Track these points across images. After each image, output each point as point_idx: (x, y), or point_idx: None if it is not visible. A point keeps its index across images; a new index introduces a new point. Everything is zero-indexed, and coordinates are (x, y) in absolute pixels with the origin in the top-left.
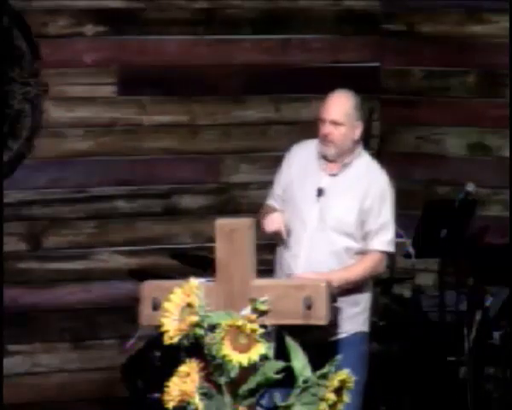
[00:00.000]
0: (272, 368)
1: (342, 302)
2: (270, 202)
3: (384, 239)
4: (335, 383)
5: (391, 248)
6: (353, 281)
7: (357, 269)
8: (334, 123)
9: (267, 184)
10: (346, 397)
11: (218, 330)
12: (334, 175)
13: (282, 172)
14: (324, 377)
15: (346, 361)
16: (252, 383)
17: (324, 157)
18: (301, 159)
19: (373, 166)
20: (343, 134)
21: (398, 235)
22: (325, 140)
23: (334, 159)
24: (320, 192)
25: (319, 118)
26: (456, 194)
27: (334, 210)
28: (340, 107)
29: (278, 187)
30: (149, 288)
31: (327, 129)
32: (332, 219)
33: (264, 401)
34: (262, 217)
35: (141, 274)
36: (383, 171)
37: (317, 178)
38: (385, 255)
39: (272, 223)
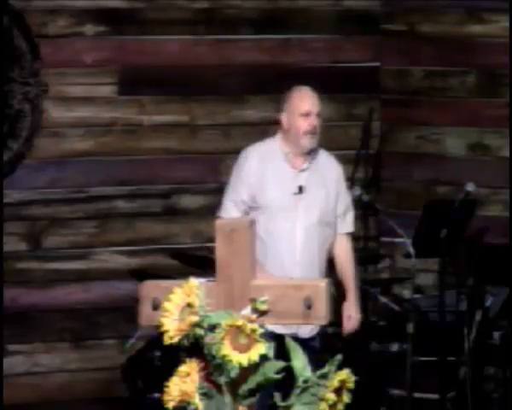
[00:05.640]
0: (272, 368)
1: None
2: (231, 210)
3: (350, 220)
4: (335, 383)
5: (353, 228)
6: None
7: (352, 266)
8: (318, 115)
9: None
10: (346, 397)
11: (218, 330)
12: (303, 170)
13: (244, 180)
14: (324, 377)
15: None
16: (252, 383)
17: (303, 151)
18: (262, 163)
19: (326, 153)
20: (320, 124)
21: (397, 235)
22: (313, 132)
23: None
24: (301, 189)
25: (301, 113)
26: (456, 194)
27: (317, 202)
28: (317, 99)
29: (243, 194)
30: (149, 288)
31: (315, 121)
32: (317, 211)
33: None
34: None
35: (141, 274)
36: None
37: (290, 176)
38: (351, 235)
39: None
